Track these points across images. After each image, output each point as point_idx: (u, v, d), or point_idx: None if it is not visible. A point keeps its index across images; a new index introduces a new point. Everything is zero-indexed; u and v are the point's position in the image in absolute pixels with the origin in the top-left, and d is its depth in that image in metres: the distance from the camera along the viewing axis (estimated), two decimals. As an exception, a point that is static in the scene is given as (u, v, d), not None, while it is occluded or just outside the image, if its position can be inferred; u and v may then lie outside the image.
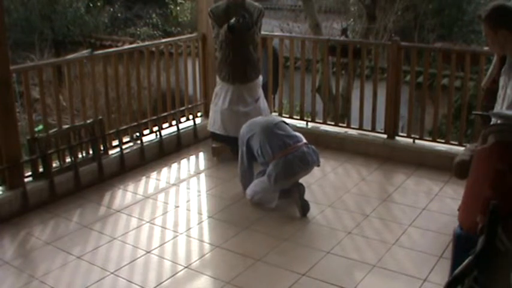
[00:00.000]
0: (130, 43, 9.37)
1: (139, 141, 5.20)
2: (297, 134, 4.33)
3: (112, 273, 3.42)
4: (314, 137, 5.33)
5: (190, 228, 4.01)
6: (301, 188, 4.18)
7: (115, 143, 5.05)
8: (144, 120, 5.30)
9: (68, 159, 4.62)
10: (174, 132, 5.59)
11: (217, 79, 5.28)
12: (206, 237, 3.94)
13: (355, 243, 3.75)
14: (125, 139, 5.15)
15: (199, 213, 4.25)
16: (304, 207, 4.12)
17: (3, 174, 4.19)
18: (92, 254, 3.65)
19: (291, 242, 3.78)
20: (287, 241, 3.79)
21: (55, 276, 3.40)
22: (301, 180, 4.26)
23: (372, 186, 4.72)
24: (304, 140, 4.27)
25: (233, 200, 4.44)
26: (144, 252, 3.66)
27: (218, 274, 3.42)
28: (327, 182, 4.77)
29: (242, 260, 3.55)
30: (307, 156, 4.17)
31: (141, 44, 7.55)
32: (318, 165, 4.33)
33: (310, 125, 5.76)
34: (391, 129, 5.30)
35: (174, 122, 5.66)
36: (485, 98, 3.88)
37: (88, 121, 4.77)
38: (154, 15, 13.65)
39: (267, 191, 4.21)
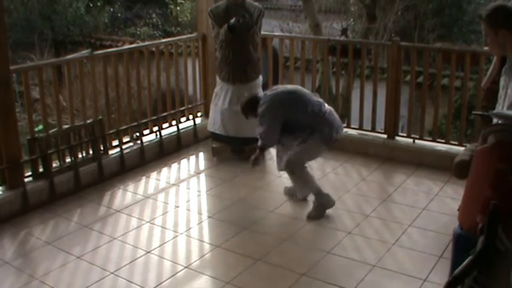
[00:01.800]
0: (131, 43, 9.37)
1: (139, 141, 5.20)
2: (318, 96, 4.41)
3: (112, 273, 3.42)
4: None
5: (190, 228, 4.01)
6: (332, 204, 4.18)
7: (115, 143, 5.05)
8: (144, 120, 5.30)
9: (68, 159, 4.62)
10: (174, 132, 5.59)
11: (217, 79, 5.28)
12: (206, 237, 3.94)
13: (355, 243, 3.75)
14: (125, 139, 5.15)
15: (199, 213, 4.25)
16: (317, 217, 4.11)
17: (3, 174, 4.19)
18: (92, 254, 3.65)
19: (291, 242, 3.78)
20: (287, 241, 3.79)
21: (55, 276, 3.40)
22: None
23: (372, 186, 4.72)
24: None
25: (233, 200, 4.44)
26: (144, 252, 3.66)
27: (218, 274, 3.42)
28: (327, 182, 4.76)
29: (242, 260, 3.55)
30: (338, 128, 4.27)
31: (141, 44, 7.55)
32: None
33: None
34: (391, 129, 5.30)
35: (174, 122, 5.66)
36: (485, 98, 3.87)
37: (88, 121, 4.77)
38: (154, 15, 13.66)
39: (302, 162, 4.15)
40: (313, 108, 4.11)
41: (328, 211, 4.19)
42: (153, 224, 4.08)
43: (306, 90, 4.36)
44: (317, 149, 4.20)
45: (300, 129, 4.14)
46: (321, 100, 4.27)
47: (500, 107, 3.08)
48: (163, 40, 6.36)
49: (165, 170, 5.12)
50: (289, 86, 4.51)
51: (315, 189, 4.18)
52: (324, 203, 4.14)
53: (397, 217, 4.13)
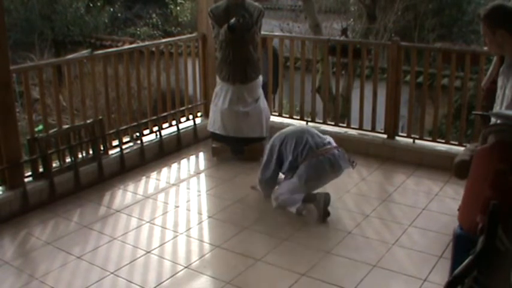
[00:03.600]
0: (131, 43, 9.37)
1: (139, 141, 5.20)
2: (328, 137, 4.35)
3: (112, 273, 3.42)
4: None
5: (190, 228, 4.01)
6: (327, 197, 4.10)
7: (115, 143, 5.05)
8: (144, 120, 5.30)
9: (68, 159, 4.62)
10: (174, 132, 5.59)
11: (217, 79, 5.28)
12: (206, 237, 3.94)
13: (355, 243, 3.75)
14: (125, 139, 5.15)
15: (199, 213, 4.25)
16: (325, 216, 4.07)
17: (3, 174, 4.19)
18: (92, 254, 3.65)
19: (291, 242, 3.78)
20: (287, 241, 3.79)
21: (55, 276, 3.40)
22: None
23: (371, 186, 4.72)
24: (334, 144, 4.28)
25: (233, 200, 4.44)
26: (144, 252, 3.66)
27: (218, 274, 3.42)
28: (327, 182, 4.77)
29: (242, 260, 3.55)
30: (338, 159, 4.18)
31: (141, 44, 7.55)
32: (353, 168, 4.32)
33: (310, 125, 5.73)
34: (391, 129, 5.30)
35: (174, 122, 5.66)
36: (485, 98, 3.87)
37: (88, 121, 4.77)
38: (154, 15, 13.66)
39: (293, 192, 4.17)
40: (303, 151, 4.15)
41: (330, 210, 4.18)
42: (153, 224, 4.08)
43: (312, 131, 4.33)
44: (299, 187, 4.16)
45: (288, 168, 4.24)
46: (322, 141, 4.24)
47: (498, 107, 3.08)
48: (163, 40, 6.36)
49: (165, 170, 5.12)
50: (296, 126, 4.67)
51: (302, 198, 4.15)
52: (316, 204, 4.10)
53: (397, 217, 4.13)
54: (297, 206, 4.15)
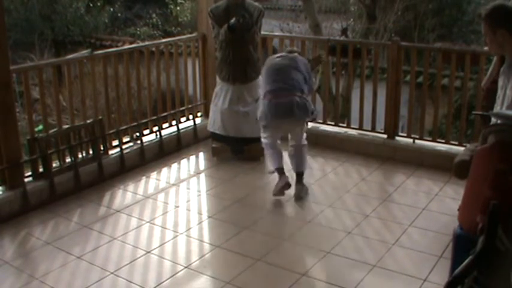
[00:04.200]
0: (131, 43, 9.36)
1: (139, 141, 5.20)
2: (298, 83, 4.34)
3: (112, 273, 3.42)
4: (314, 137, 5.33)
5: (190, 228, 4.01)
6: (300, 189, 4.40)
7: (115, 143, 5.05)
8: (144, 120, 5.30)
9: (68, 159, 4.62)
10: (174, 132, 5.59)
11: (217, 79, 5.28)
12: (206, 237, 3.94)
13: (355, 243, 3.75)
14: (125, 139, 5.15)
15: (199, 213, 4.25)
16: (300, 194, 4.38)
17: (3, 174, 4.19)
18: (92, 254, 3.65)
19: (291, 242, 3.78)
20: (287, 241, 3.79)
21: (55, 276, 3.40)
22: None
23: (372, 186, 4.72)
24: (301, 92, 4.31)
25: (233, 200, 4.44)
26: (144, 252, 3.66)
27: (218, 274, 3.42)
28: (327, 182, 4.77)
29: (242, 260, 3.55)
30: (294, 107, 4.24)
31: (141, 44, 7.54)
32: (312, 120, 4.60)
33: (310, 124, 5.74)
34: (391, 129, 5.30)
35: (174, 122, 5.66)
36: (485, 98, 3.87)
37: (88, 121, 4.77)
38: (154, 15, 13.65)
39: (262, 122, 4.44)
40: (265, 86, 4.39)
41: (329, 211, 4.20)
42: (153, 224, 4.08)
43: (289, 74, 4.36)
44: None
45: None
46: (290, 87, 4.30)
47: (499, 107, 3.08)
48: (163, 40, 6.36)
49: (165, 170, 5.12)
50: (282, 60, 4.51)
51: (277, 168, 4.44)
52: (283, 178, 4.40)
53: (397, 217, 4.13)
54: (272, 170, 4.55)
